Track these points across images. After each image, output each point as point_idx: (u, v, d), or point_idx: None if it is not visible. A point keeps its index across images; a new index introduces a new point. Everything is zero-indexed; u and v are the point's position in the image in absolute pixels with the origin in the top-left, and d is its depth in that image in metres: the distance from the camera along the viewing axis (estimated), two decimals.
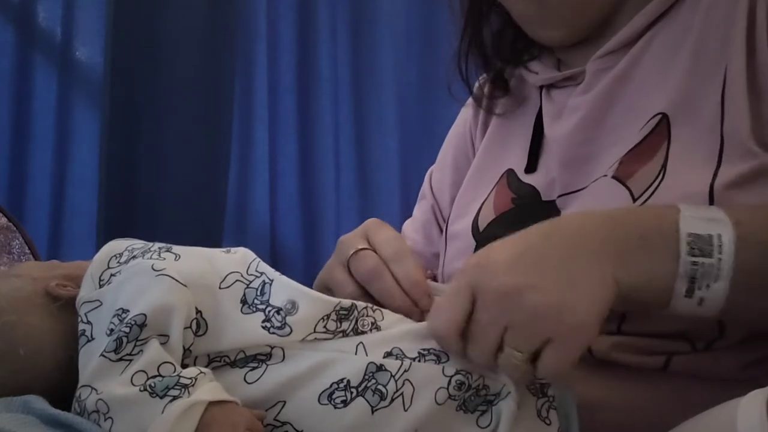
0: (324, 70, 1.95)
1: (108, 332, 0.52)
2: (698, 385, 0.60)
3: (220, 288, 0.55)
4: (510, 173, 0.78)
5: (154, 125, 1.87)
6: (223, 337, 0.53)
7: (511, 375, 0.52)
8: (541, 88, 0.79)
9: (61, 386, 0.55)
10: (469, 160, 0.86)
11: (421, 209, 0.92)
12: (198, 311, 0.54)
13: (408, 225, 0.93)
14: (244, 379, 0.52)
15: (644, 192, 0.62)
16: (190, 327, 0.53)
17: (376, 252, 0.61)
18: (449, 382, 0.52)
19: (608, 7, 0.73)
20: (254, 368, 0.53)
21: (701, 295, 0.52)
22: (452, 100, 0.89)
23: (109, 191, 1.81)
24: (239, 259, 0.58)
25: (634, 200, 0.63)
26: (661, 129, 0.64)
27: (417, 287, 0.59)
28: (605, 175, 0.66)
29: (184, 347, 0.52)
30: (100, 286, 0.56)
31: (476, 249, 0.75)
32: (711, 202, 0.58)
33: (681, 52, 0.66)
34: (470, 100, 0.89)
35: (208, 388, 0.49)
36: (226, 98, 1.91)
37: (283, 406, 0.51)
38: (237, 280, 0.56)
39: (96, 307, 0.55)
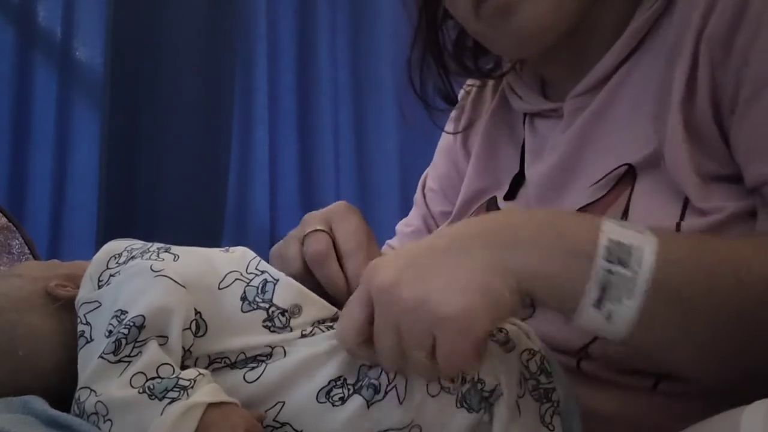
0: (324, 70, 1.95)
1: (107, 333, 0.51)
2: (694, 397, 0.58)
3: (219, 288, 0.55)
4: (491, 201, 0.77)
5: (153, 126, 1.88)
6: (223, 338, 0.53)
7: (423, 376, 0.51)
8: (524, 115, 0.75)
9: (61, 387, 0.55)
10: (459, 172, 0.84)
11: (414, 216, 0.92)
12: (197, 312, 0.54)
13: (402, 228, 0.93)
14: (244, 379, 0.52)
15: None
16: (190, 328, 0.53)
17: (335, 239, 0.61)
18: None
19: (572, 22, 0.66)
20: (254, 368, 0.53)
21: (611, 308, 0.48)
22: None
23: (109, 191, 1.82)
24: (238, 257, 0.58)
25: None
26: (626, 182, 0.62)
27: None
28: None
29: (184, 348, 0.52)
30: (99, 287, 0.56)
31: None
32: None
33: (647, 95, 0.62)
34: (453, 114, 0.87)
35: (207, 390, 0.49)
36: (226, 99, 1.92)
37: (282, 407, 0.51)
38: (236, 279, 0.56)
39: (95, 308, 0.55)
